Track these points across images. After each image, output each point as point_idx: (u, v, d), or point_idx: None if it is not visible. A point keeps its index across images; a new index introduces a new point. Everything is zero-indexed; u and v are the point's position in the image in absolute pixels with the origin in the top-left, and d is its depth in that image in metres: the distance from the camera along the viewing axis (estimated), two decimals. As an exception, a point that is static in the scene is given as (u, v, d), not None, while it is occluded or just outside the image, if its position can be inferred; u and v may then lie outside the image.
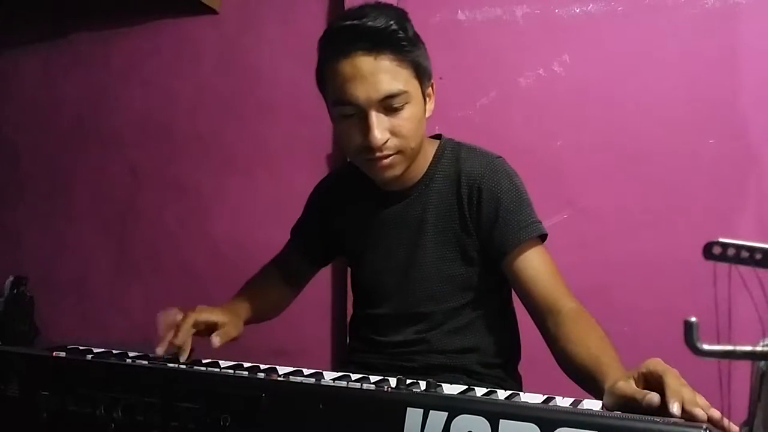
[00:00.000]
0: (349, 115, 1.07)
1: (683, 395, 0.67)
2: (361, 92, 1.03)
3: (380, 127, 1.05)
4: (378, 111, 1.05)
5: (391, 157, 1.08)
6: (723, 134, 1.70)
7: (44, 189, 2.48)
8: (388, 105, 1.05)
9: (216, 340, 1.04)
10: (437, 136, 1.25)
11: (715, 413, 0.67)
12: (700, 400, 0.68)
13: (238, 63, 2.21)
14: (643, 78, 1.76)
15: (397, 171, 1.11)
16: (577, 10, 1.81)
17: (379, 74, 1.03)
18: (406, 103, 1.06)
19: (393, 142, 1.07)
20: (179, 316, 1.06)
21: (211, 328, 1.08)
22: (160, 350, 1.01)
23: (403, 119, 1.06)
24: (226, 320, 1.10)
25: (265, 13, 2.17)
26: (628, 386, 0.73)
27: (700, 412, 0.65)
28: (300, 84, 2.11)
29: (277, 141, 2.15)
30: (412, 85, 1.07)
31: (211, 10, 2.22)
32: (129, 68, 2.36)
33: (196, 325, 1.06)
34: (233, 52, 2.22)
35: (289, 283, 1.40)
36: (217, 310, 1.11)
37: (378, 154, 1.06)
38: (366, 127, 1.05)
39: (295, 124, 2.13)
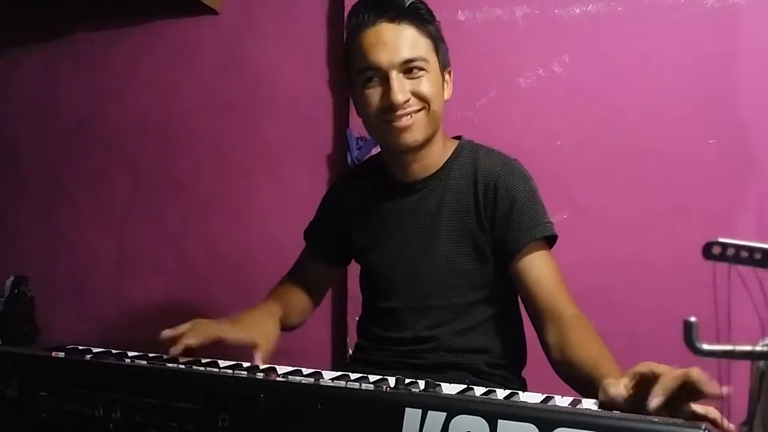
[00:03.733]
0: (371, 80, 1.13)
1: (698, 376, 0.67)
2: (383, 56, 1.10)
3: (401, 88, 1.11)
4: (399, 73, 1.11)
5: (413, 117, 1.13)
6: (723, 134, 1.70)
7: (44, 189, 2.48)
8: (409, 70, 1.12)
9: (260, 361, 1.02)
10: (457, 137, 1.28)
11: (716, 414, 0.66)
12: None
13: (238, 63, 2.21)
14: (643, 78, 1.76)
15: (417, 135, 1.14)
16: (577, 11, 1.81)
17: (401, 40, 1.11)
18: (426, 71, 1.13)
19: (414, 101, 1.12)
20: (215, 332, 1.04)
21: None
22: (174, 351, 0.98)
23: (422, 83, 1.13)
24: (260, 336, 1.07)
25: (265, 13, 2.17)
26: (611, 380, 0.74)
27: (715, 389, 0.65)
28: (300, 84, 2.11)
29: (277, 141, 2.15)
30: (430, 56, 1.14)
31: (211, 11, 2.22)
32: (129, 68, 2.36)
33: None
34: (233, 53, 2.22)
35: (309, 292, 1.39)
36: (250, 331, 1.08)
37: (399, 112, 1.11)
38: (387, 87, 1.11)
39: (295, 124, 2.13)
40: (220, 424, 0.74)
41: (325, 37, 2.09)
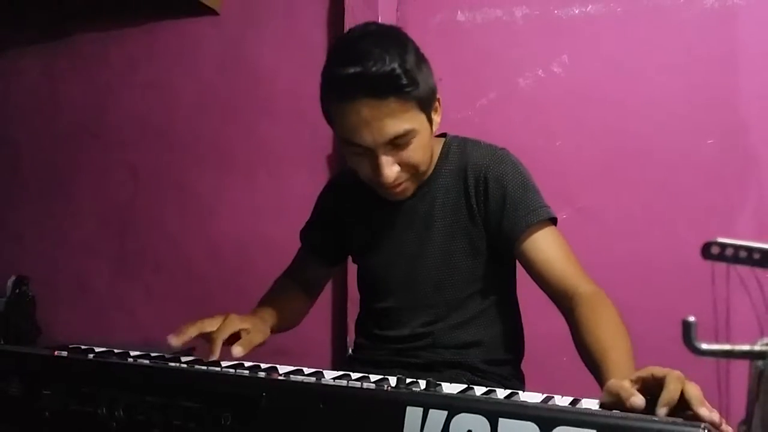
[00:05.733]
0: (358, 154, 1.09)
1: (692, 393, 0.67)
2: (367, 137, 1.05)
3: (389, 166, 1.07)
4: (386, 151, 1.07)
5: (402, 185, 1.12)
6: (722, 134, 1.70)
7: (45, 189, 2.48)
8: (396, 144, 1.07)
9: (238, 350, 1.02)
10: (442, 135, 1.26)
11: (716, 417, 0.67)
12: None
13: (238, 64, 2.21)
14: (642, 78, 1.77)
15: (408, 193, 1.15)
16: (576, 11, 1.82)
17: (384, 119, 1.03)
18: (414, 137, 1.08)
19: (403, 173, 1.10)
20: (211, 326, 1.05)
21: (235, 335, 1.06)
22: (176, 341, 0.99)
23: (411, 151, 1.08)
24: (251, 327, 1.08)
25: (265, 13, 2.17)
26: (618, 383, 0.74)
27: (705, 413, 0.65)
28: (300, 84, 2.12)
29: (277, 141, 2.16)
30: (417, 120, 1.08)
31: (211, 11, 2.22)
32: (129, 69, 2.36)
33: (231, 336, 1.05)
34: (234, 53, 2.22)
35: (305, 290, 1.39)
36: (245, 320, 1.10)
37: (390, 185, 1.10)
38: (375, 166, 1.07)
39: (295, 124, 2.13)
40: (222, 422, 0.74)
41: (325, 37, 2.09)
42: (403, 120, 1.05)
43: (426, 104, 1.10)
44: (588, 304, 1.01)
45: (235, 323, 1.05)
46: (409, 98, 1.05)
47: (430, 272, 1.19)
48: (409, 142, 1.07)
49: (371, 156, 1.07)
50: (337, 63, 1.05)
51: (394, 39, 1.06)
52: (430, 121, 1.13)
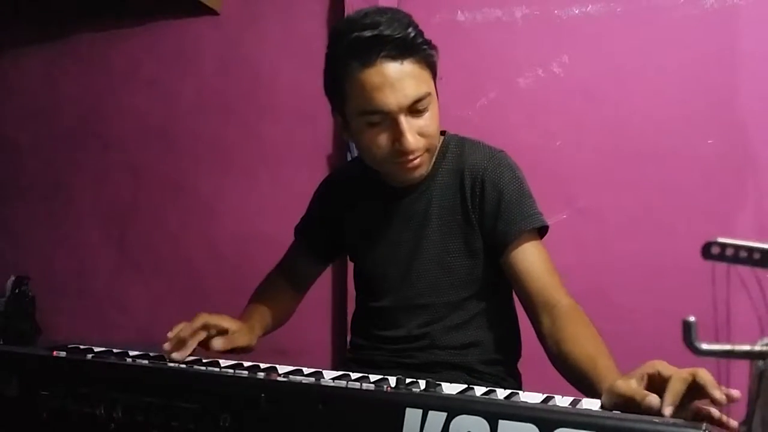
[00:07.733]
0: (377, 124, 1.08)
1: (705, 379, 0.67)
2: (391, 99, 1.04)
3: (411, 131, 1.07)
4: (406, 116, 1.06)
5: (420, 158, 1.11)
6: (722, 134, 1.70)
7: (45, 189, 2.48)
8: (415, 108, 1.07)
9: (218, 343, 1.05)
10: (441, 132, 1.26)
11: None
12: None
13: (238, 64, 2.21)
14: (642, 78, 1.77)
15: (423, 170, 1.14)
16: (576, 11, 1.82)
17: (406, 80, 1.05)
18: (430, 104, 1.09)
19: (421, 143, 1.09)
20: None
21: (221, 334, 1.09)
22: (167, 346, 1.01)
23: (428, 119, 1.09)
24: (236, 329, 1.11)
25: (265, 13, 2.17)
26: (628, 385, 0.73)
27: (719, 395, 0.66)
28: (300, 84, 2.12)
29: (277, 141, 2.16)
30: (431, 86, 1.10)
31: (211, 11, 2.22)
32: (130, 69, 2.36)
33: (205, 327, 1.06)
34: (234, 53, 2.22)
35: (295, 286, 1.40)
36: (229, 319, 1.12)
37: (410, 156, 1.09)
38: (398, 133, 1.07)
39: (295, 124, 2.13)
40: (221, 423, 0.74)
41: (325, 37, 2.09)
42: (421, 82, 1.07)
43: (435, 72, 1.12)
44: (569, 316, 1.03)
45: (216, 318, 1.08)
46: (425, 60, 1.08)
47: (425, 272, 1.19)
48: (426, 109, 1.08)
49: (391, 124, 1.07)
50: (352, 31, 1.05)
51: (396, 10, 1.09)
52: (437, 92, 1.14)
